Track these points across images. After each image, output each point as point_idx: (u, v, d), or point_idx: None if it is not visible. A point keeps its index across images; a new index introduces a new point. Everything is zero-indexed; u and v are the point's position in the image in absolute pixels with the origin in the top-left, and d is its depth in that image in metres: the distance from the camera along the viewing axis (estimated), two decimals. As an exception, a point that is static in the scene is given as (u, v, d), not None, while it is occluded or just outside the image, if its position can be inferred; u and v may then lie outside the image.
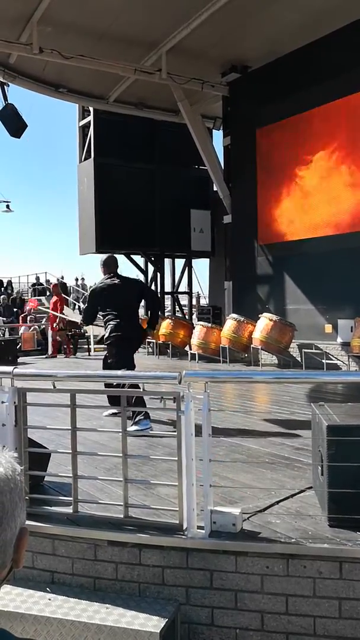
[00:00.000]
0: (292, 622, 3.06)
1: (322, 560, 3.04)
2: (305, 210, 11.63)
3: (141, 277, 16.57)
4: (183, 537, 3.25)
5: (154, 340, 13.67)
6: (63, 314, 14.20)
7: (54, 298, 14.39)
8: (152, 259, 16.93)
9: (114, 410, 5.86)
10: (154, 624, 2.94)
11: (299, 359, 11.01)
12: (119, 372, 4.08)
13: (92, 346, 14.84)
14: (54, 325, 14.10)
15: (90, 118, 15.30)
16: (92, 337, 14.79)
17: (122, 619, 2.99)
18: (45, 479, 4.06)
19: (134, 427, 5.39)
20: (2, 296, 19.57)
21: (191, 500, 3.25)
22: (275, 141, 12.21)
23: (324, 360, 10.44)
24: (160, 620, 2.97)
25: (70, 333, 14.22)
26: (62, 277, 26.71)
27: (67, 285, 24.83)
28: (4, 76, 12.26)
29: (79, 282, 24.92)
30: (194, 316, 17.62)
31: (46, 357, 13.91)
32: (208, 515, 3.24)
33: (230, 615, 3.14)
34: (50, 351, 14.34)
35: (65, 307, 15.75)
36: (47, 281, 23.85)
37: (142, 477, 4.15)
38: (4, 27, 10.71)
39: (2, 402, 3.53)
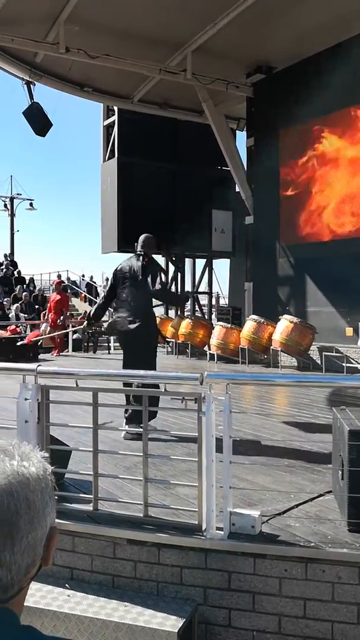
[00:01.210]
0: (309, 626, 3.05)
1: (342, 565, 3.03)
2: (328, 211, 11.56)
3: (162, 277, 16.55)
4: (202, 537, 3.26)
5: (173, 340, 13.70)
6: (66, 312, 14.22)
7: (57, 296, 14.44)
8: (173, 258, 16.95)
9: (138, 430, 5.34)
10: (172, 623, 2.95)
11: (318, 361, 10.95)
12: (141, 372, 4.09)
13: (112, 344, 14.89)
14: (58, 322, 14.03)
15: (115, 117, 15.36)
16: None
17: (140, 617, 3.01)
18: (65, 476, 4.10)
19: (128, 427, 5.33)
20: (24, 293, 19.73)
21: (211, 501, 3.26)
22: (299, 142, 12.15)
23: (344, 364, 10.37)
24: (178, 620, 2.98)
25: (90, 331, 14.23)
26: (83, 276, 26.85)
27: (94, 285, 24.88)
28: (30, 75, 12.36)
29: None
30: (214, 316, 17.62)
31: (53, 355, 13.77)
32: (227, 516, 3.25)
33: (247, 617, 3.14)
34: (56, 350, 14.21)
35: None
36: (68, 279, 24.01)
37: (162, 476, 4.17)
38: (32, 26, 10.80)
39: (26, 399, 3.57)
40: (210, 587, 3.21)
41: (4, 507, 0.93)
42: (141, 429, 4.19)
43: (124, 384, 4.62)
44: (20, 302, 18.75)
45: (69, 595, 3.25)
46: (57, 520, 3.33)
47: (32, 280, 24.12)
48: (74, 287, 25.26)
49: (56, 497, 1.06)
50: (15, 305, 18.46)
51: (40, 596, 3.22)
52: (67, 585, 3.36)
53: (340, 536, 3.20)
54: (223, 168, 15.28)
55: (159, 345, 6.85)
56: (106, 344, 15.28)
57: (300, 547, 3.11)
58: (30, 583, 1.01)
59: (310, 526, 3.35)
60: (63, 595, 3.25)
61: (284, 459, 4.76)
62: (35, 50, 11.54)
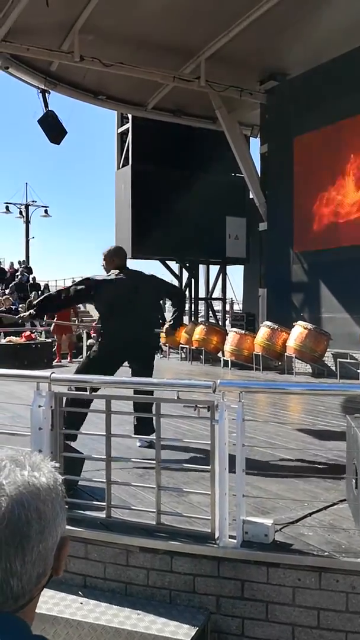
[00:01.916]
0: (323, 636, 3.03)
1: (356, 575, 3.00)
2: (343, 218, 11.52)
3: (176, 283, 16.62)
4: (215, 546, 3.25)
5: (187, 346, 13.70)
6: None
7: None
8: (187, 265, 16.97)
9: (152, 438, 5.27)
10: (185, 632, 2.94)
11: (333, 368, 10.88)
12: (154, 380, 4.10)
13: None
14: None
15: (129, 125, 15.45)
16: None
17: (153, 625, 3.00)
18: (79, 483, 4.11)
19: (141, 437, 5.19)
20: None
21: (224, 510, 3.25)
22: (313, 149, 12.14)
23: (359, 370, 10.30)
24: (191, 628, 2.97)
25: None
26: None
27: None
28: (45, 84, 12.47)
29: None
30: (228, 322, 17.61)
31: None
32: (240, 525, 3.24)
33: (260, 627, 3.13)
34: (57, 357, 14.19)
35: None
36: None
37: (175, 484, 4.16)
38: (47, 36, 10.92)
39: (40, 406, 3.59)
40: (223, 595, 3.20)
41: (14, 517, 0.94)
42: (151, 437, 4.21)
43: (136, 392, 4.59)
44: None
45: (81, 603, 3.25)
46: (70, 528, 3.32)
47: (47, 286, 24.26)
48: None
49: (67, 506, 1.06)
50: (30, 311, 18.54)
51: (54, 603, 3.23)
52: (80, 592, 3.36)
53: (354, 545, 3.17)
54: (237, 175, 15.30)
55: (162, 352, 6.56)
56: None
57: (313, 557, 3.09)
58: (41, 592, 1.02)
59: (324, 535, 3.32)
60: (76, 603, 3.25)
61: (298, 466, 4.74)
62: (50, 59, 11.65)
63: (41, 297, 5.78)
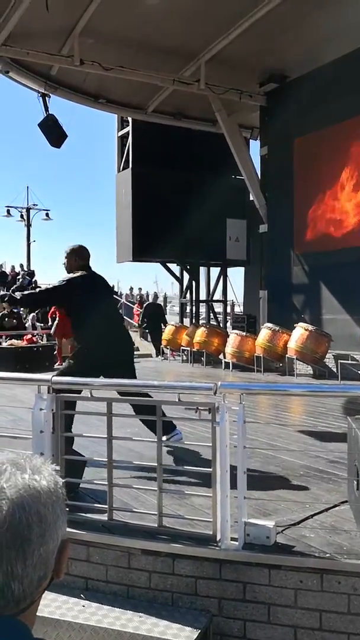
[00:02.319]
0: (325, 638, 3.03)
1: (357, 576, 3.00)
2: (343, 219, 11.53)
3: (176, 285, 16.64)
4: (216, 548, 3.25)
5: (188, 348, 13.71)
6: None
7: None
8: (188, 267, 16.99)
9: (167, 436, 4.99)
10: (187, 634, 2.95)
11: (334, 369, 10.88)
12: (155, 382, 4.10)
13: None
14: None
15: (129, 128, 15.48)
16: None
17: (155, 628, 3.00)
18: (80, 486, 4.11)
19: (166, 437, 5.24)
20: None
21: (225, 512, 3.25)
22: (313, 151, 12.14)
23: (360, 372, 10.31)
24: (193, 631, 2.97)
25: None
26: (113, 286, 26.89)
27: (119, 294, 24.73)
28: (45, 87, 12.50)
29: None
30: (229, 324, 17.61)
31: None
32: (242, 527, 3.24)
33: (262, 629, 3.13)
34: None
35: None
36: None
37: (176, 486, 4.16)
38: (47, 40, 10.95)
39: (41, 409, 3.60)
40: (225, 598, 3.20)
41: (15, 520, 0.95)
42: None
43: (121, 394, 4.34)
44: (36, 311, 18.86)
45: (84, 606, 3.25)
46: (71, 530, 3.33)
47: (48, 289, 24.18)
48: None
49: (68, 509, 1.07)
50: (31, 314, 18.58)
51: (56, 606, 3.23)
52: (82, 595, 3.37)
53: (356, 547, 3.17)
54: (237, 177, 15.32)
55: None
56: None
57: (315, 558, 3.09)
58: (42, 595, 1.03)
59: (325, 537, 3.33)
60: (78, 606, 3.25)
61: (299, 468, 4.74)
62: (50, 63, 11.68)
63: (28, 292, 5.54)
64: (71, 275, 5.13)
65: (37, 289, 5.53)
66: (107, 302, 5.10)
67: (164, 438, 5.08)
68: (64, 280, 5.06)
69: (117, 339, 5.11)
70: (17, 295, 5.26)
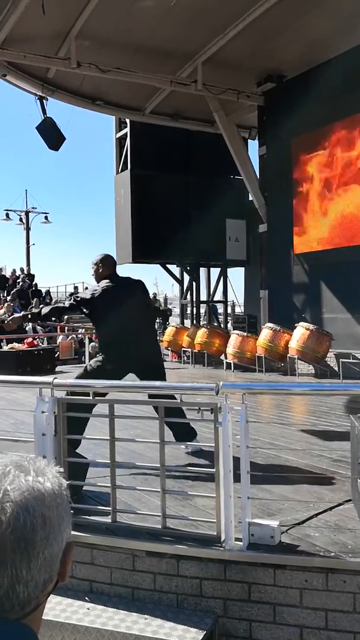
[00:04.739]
0: (331, 637, 3.02)
1: (363, 575, 2.99)
2: (343, 218, 11.52)
3: (176, 287, 16.64)
4: (221, 549, 3.24)
5: (189, 349, 13.70)
6: None
7: None
8: (188, 268, 16.99)
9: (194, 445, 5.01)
10: (192, 636, 2.94)
11: (336, 368, 10.87)
12: (157, 383, 4.10)
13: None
14: None
15: (127, 130, 15.48)
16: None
17: (160, 630, 3.00)
18: (83, 488, 4.10)
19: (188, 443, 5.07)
20: (41, 306, 19.85)
21: (229, 512, 3.25)
22: (311, 150, 12.15)
23: (362, 370, 10.30)
24: (199, 632, 2.96)
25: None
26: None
27: None
28: (42, 90, 12.51)
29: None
30: (230, 325, 17.60)
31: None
32: (246, 527, 3.23)
33: (268, 629, 3.12)
34: None
35: None
36: (86, 289, 24.00)
37: (179, 487, 4.15)
38: (44, 42, 10.95)
39: (43, 412, 3.59)
40: (230, 598, 3.19)
41: (19, 523, 0.94)
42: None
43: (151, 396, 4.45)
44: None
45: (88, 609, 3.24)
46: (75, 533, 3.33)
47: (48, 292, 24.27)
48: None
49: (72, 511, 1.06)
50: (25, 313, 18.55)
51: (60, 609, 3.22)
52: (86, 598, 3.36)
53: (360, 546, 3.16)
54: (236, 177, 15.33)
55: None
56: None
57: (320, 557, 3.08)
58: (47, 599, 1.02)
59: (330, 536, 3.32)
60: (83, 609, 3.24)
61: (303, 467, 4.73)
62: (47, 66, 11.68)
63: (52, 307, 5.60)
64: (93, 288, 5.25)
65: (60, 303, 5.59)
66: (130, 309, 5.01)
67: (184, 445, 5.07)
68: (86, 294, 5.25)
69: (137, 344, 5.09)
70: (44, 310, 5.38)
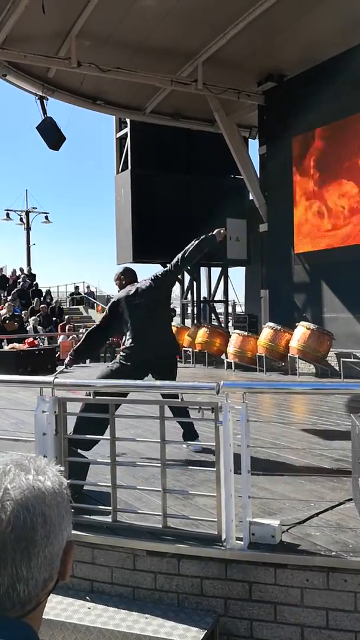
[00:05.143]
0: (332, 636, 3.01)
1: (364, 574, 2.99)
2: (343, 217, 11.52)
3: (177, 286, 16.62)
4: (222, 548, 3.24)
5: (190, 349, 13.70)
6: None
7: None
8: (189, 267, 16.97)
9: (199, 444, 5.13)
10: (193, 635, 2.94)
11: (337, 368, 10.88)
12: (157, 383, 4.10)
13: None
14: None
15: (127, 129, 15.48)
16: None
17: (161, 629, 2.99)
18: (84, 488, 4.10)
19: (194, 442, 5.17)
20: (41, 305, 19.86)
21: (230, 511, 3.24)
22: (311, 149, 12.14)
23: (362, 370, 10.29)
24: (200, 631, 2.96)
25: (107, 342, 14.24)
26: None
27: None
28: (43, 90, 12.51)
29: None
30: (230, 324, 17.60)
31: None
32: (247, 526, 3.23)
33: (269, 628, 3.11)
34: None
35: None
36: (88, 287, 24.12)
37: (180, 487, 4.16)
38: (44, 42, 10.95)
39: (43, 412, 3.59)
40: (231, 597, 3.19)
41: (20, 522, 0.94)
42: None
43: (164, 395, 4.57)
44: (37, 314, 18.87)
45: (89, 608, 3.24)
46: (76, 532, 3.33)
47: (48, 292, 24.29)
48: (90, 298, 25.41)
49: (73, 510, 1.06)
50: (32, 318, 18.59)
51: (61, 609, 3.22)
52: (87, 597, 3.36)
53: (361, 545, 3.16)
54: (236, 177, 15.33)
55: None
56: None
57: (321, 557, 3.08)
58: (48, 597, 1.02)
59: (331, 535, 3.31)
60: (84, 608, 3.24)
61: (304, 467, 4.72)
62: (48, 66, 11.69)
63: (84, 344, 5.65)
64: (112, 299, 5.70)
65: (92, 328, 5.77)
66: (144, 313, 5.27)
67: (185, 445, 5.15)
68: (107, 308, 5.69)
69: (153, 345, 5.23)
70: (80, 346, 5.62)
